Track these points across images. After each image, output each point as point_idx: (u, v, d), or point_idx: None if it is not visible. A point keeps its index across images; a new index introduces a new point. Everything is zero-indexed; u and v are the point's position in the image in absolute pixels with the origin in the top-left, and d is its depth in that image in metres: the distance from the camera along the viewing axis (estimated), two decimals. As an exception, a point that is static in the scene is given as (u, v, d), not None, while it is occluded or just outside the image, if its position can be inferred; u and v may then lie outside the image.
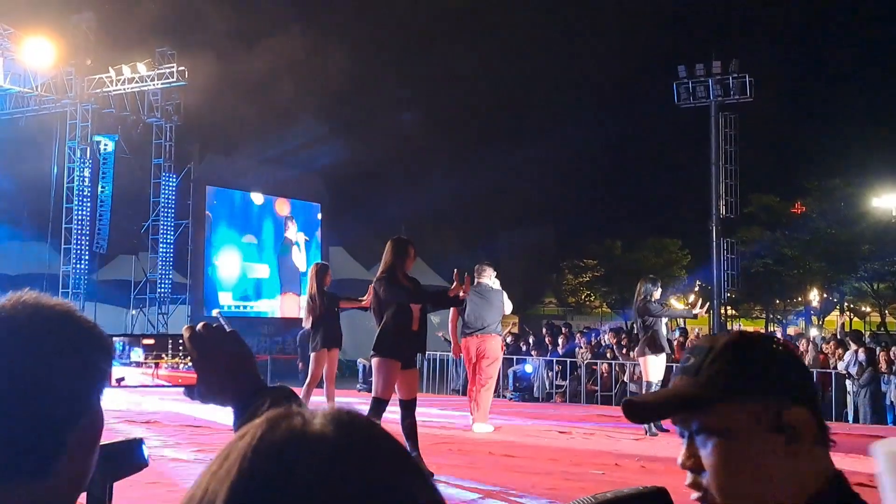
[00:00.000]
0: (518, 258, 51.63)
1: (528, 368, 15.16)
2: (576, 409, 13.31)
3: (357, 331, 22.94)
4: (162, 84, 20.00)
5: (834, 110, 54.24)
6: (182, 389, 1.53)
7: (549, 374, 15.57)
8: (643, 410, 1.32)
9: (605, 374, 15.06)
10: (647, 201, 50.38)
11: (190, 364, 1.44)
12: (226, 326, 1.42)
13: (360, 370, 16.10)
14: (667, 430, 9.76)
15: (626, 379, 14.63)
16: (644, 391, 9.90)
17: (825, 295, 43.99)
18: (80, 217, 20.32)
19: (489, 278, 9.78)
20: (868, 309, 45.59)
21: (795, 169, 44.79)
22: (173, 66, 19.67)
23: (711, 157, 29.83)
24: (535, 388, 15.32)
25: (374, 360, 6.54)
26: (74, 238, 20.15)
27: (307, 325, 9.00)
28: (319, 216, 26.73)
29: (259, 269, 24.17)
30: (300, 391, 9.02)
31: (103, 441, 1.30)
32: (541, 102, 55.49)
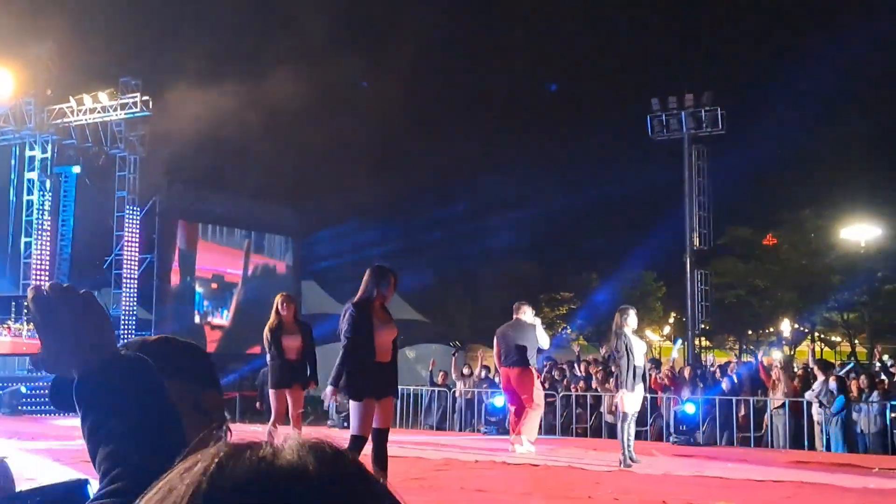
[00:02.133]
0: (497, 292, 51.39)
1: (499, 402, 14.80)
2: (551, 441, 12.98)
3: (331, 365, 22.42)
4: (125, 114, 19.60)
5: (804, 143, 54.83)
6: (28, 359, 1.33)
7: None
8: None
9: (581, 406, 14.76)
10: (623, 234, 50.44)
11: (33, 330, 1.31)
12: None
13: (331, 406, 15.64)
14: (640, 462, 9.48)
15: (602, 410, 14.34)
16: (620, 423, 9.61)
17: (796, 325, 44.19)
18: (39, 251, 19.73)
19: (524, 314, 10.43)
20: (838, 338, 45.88)
21: (767, 201, 45.11)
22: (137, 96, 19.32)
23: (685, 190, 29.87)
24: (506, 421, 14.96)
25: (351, 403, 6.26)
26: (34, 273, 19.55)
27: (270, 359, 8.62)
28: (291, 249, 26.30)
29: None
30: (265, 428, 8.61)
31: (45, 482, 1.32)
32: (516, 136, 55.62)
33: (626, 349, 9.44)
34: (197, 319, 23.90)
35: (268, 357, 8.64)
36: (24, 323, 1.36)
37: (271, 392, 8.50)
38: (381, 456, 6.22)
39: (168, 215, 22.64)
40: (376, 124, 43.92)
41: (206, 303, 24.22)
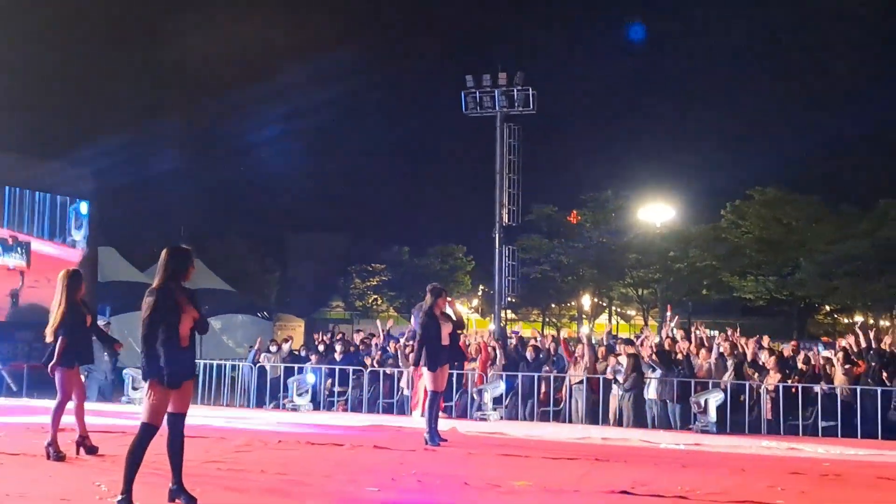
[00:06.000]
0: (306, 262, 50.87)
1: (310, 378, 14.65)
2: (356, 417, 12.98)
3: (129, 336, 21.32)
4: None
5: (607, 127, 57.54)
6: None
7: (331, 381, 15.15)
8: None
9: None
10: (435, 208, 51.22)
11: None
12: None
13: (127, 381, 14.92)
14: (445, 441, 9.62)
15: (402, 384, 14.47)
16: (428, 401, 9.72)
17: (596, 300, 46.47)
18: None
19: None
20: (633, 313, 48.55)
21: (572, 180, 47.12)
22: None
23: (496, 167, 30.51)
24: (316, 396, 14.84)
25: (146, 385, 5.93)
26: None
27: (50, 338, 8.07)
28: (85, 212, 24.62)
29: None
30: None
31: None
32: (330, 106, 54.94)
33: (435, 329, 9.66)
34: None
35: (50, 335, 8.09)
36: None
37: (63, 371, 8.02)
38: (176, 442, 6.00)
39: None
40: (187, 87, 42.12)
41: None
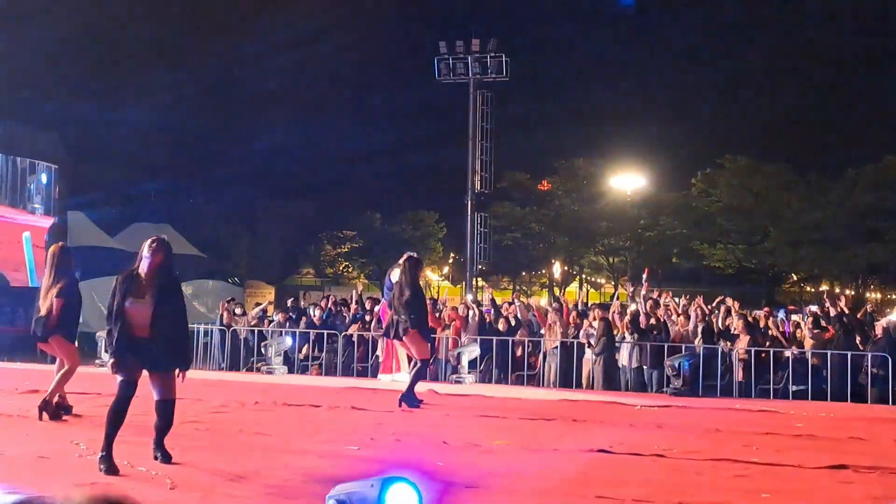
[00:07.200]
0: (276, 228, 50.53)
1: (288, 341, 14.60)
2: (331, 381, 12.97)
3: (98, 301, 21.18)
4: None
5: (580, 95, 57.51)
6: None
7: (306, 346, 15.09)
8: None
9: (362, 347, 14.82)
10: (406, 175, 50.93)
11: None
12: None
13: (100, 344, 14.78)
14: (421, 401, 9.64)
15: (379, 353, 14.43)
16: (417, 367, 9.70)
17: (566, 268, 46.64)
18: None
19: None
20: (603, 281, 48.76)
21: (544, 148, 47.00)
22: None
23: (469, 133, 30.38)
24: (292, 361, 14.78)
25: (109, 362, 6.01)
26: None
27: (44, 311, 7.94)
28: (45, 180, 24.18)
29: None
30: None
31: None
32: (301, 71, 54.31)
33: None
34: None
35: (46, 308, 8.00)
36: None
37: (72, 345, 8.14)
38: (162, 422, 6.00)
39: None
40: (159, 53, 41.45)
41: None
